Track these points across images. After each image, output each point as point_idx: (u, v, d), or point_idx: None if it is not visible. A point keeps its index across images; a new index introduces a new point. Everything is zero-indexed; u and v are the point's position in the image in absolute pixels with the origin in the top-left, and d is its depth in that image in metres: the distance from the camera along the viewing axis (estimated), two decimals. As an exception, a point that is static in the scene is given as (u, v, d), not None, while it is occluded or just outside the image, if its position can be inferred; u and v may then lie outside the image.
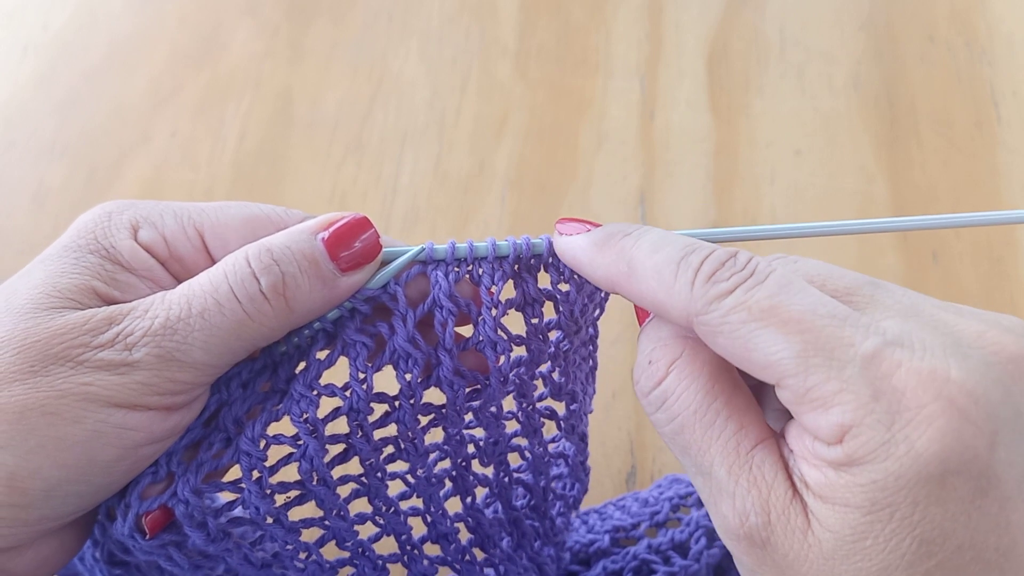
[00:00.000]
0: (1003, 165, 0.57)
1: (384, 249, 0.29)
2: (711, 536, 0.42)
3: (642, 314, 0.28)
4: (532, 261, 0.29)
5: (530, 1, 0.66)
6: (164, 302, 0.27)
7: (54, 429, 0.25)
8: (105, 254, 0.28)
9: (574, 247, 0.27)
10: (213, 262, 0.29)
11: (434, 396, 0.30)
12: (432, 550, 0.36)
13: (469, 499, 0.35)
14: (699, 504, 0.43)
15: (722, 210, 0.56)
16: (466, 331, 0.30)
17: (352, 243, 0.28)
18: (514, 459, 0.36)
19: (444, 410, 0.31)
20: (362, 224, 0.28)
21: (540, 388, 0.33)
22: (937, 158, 0.58)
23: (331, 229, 0.28)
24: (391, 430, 0.30)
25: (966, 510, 0.21)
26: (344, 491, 0.31)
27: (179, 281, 0.29)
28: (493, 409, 0.32)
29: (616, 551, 0.42)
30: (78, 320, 0.26)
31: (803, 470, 0.22)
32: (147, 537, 0.27)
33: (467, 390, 0.30)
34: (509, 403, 0.33)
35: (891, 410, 0.21)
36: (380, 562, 0.34)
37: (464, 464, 0.34)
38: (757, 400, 0.26)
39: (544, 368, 0.32)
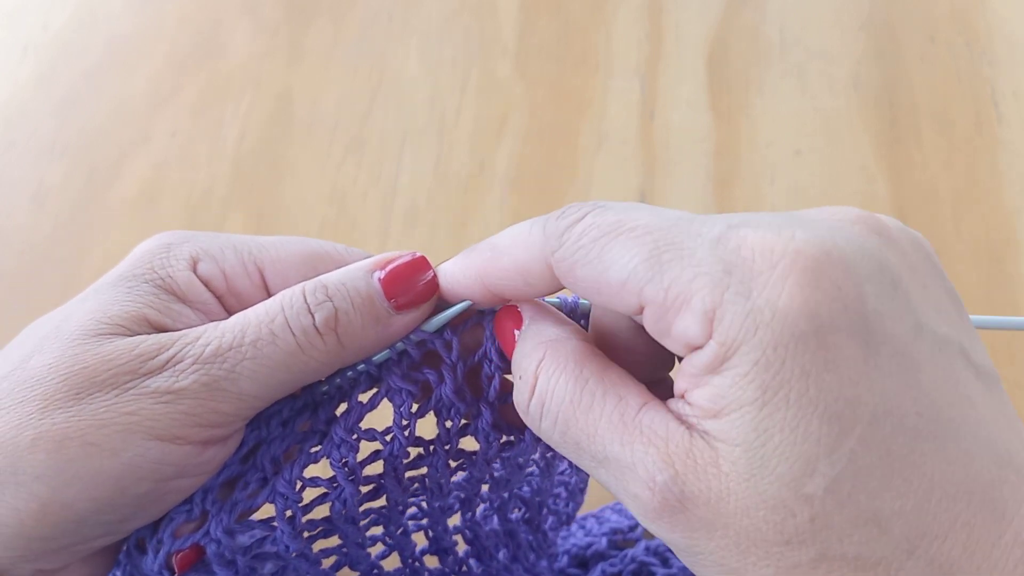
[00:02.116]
0: (1003, 165, 0.57)
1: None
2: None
3: (509, 350, 0.28)
4: (582, 322, 0.29)
5: (530, 1, 0.66)
6: (217, 330, 0.26)
7: (91, 461, 0.24)
8: (161, 283, 0.28)
9: (446, 267, 0.28)
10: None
11: (467, 442, 0.30)
12: (431, 562, 0.36)
13: (469, 514, 0.35)
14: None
15: (722, 210, 0.56)
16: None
17: (409, 282, 0.28)
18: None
19: (475, 457, 0.30)
20: (420, 264, 0.28)
21: None
22: (938, 158, 0.58)
23: (388, 268, 0.28)
24: (421, 470, 0.30)
25: (862, 371, 0.19)
26: (364, 521, 0.31)
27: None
28: (520, 460, 0.32)
29: (614, 554, 0.42)
30: (127, 346, 0.25)
31: (694, 399, 0.21)
32: (175, 575, 0.27)
33: (501, 442, 0.30)
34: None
35: (745, 279, 0.20)
36: None
37: (475, 492, 0.34)
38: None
39: None
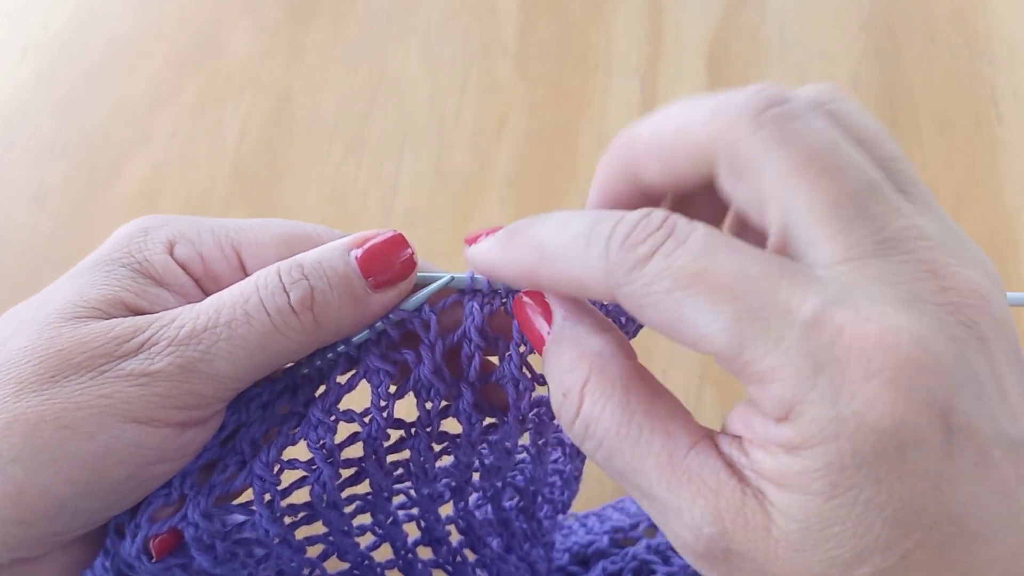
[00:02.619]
0: (1004, 165, 0.57)
1: (419, 274, 0.28)
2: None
3: (537, 343, 0.26)
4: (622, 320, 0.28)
5: (530, 1, 0.66)
6: (192, 311, 0.26)
7: (67, 444, 0.24)
8: (138, 267, 0.28)
9: (484, 251, 0.26)
10: None
11: (450, 425, 0.30)
12: (425, 553, 0.36)
13: (462, 503, 0.35)
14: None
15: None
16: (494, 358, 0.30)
17: (386, 260, 0.28)
18: None
19: (458, 440, 0.30)
20: (397, 242, 0.28)
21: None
22: (938, 158, 0.58)
23: (366, 246, 0.28)
24: (404, 454, 0.30)
25: (935, 484, 0.19)
26: (349, 508, 0.31)
27: None
28: (508, 444, 0.31)
29: (615, 552, 0.42)
30: (103, 329, 0.25)
31: (756, 456, 0.21)
32: (153, 560, 0.27)
33: (484, 424, 0.30)
34: (523, 437, 0.32)
35: (835, 383, 0.19)
36: (379, 569, 0.34)
37: (465, 480, 0.34)
38: None
39: None
